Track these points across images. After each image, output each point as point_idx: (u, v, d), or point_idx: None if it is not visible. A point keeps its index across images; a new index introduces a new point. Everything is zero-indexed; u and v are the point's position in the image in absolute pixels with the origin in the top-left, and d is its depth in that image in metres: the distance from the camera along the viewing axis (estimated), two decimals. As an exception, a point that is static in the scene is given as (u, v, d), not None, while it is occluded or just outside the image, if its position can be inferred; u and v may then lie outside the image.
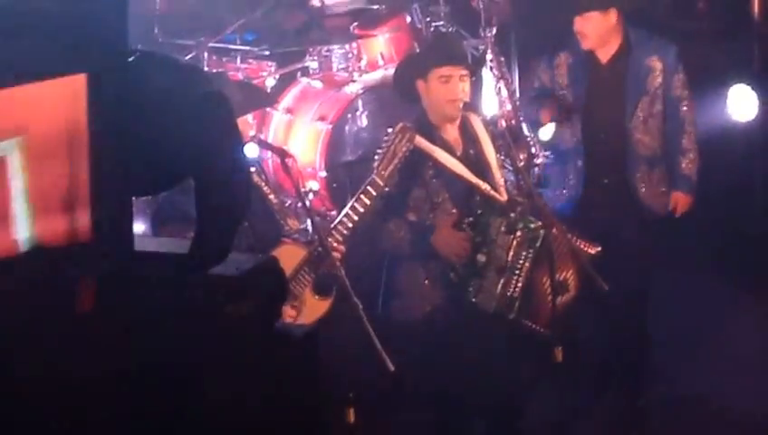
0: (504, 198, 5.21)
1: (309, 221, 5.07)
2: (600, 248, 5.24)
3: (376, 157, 5.02)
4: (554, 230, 5.11)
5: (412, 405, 5.64)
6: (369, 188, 4.97)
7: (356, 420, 4.70)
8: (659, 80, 5.96)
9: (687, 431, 5.99)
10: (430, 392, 5.37)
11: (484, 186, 5.21)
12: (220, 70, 7.09)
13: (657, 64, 5.97)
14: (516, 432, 5.43)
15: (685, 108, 6.01)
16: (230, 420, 3.51)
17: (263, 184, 5.27)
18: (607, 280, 5.21)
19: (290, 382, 4.32)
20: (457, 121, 5.29)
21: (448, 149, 5.22)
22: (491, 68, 7.74)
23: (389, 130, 5.04)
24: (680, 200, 5.99)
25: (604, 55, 5.99)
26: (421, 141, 5.14)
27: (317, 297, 5.01)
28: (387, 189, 4.99)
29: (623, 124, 5.95)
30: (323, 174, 7.07)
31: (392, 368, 4.58)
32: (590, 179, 6.01)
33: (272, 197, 5.21)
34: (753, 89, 6.99)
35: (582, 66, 6.01)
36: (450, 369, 5.21)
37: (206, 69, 7.12)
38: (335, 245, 4.95)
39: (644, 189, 5.97)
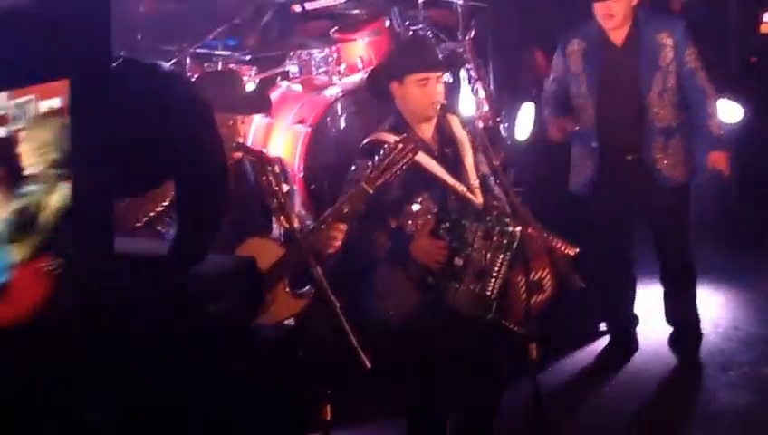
0: (479, 200, 5.23)
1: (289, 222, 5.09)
2: (578, 250, 5.29)
3: (369, 163, 4.97)
4: (530, 230, 5.15)
5: (389, 403, 5.69)
6: (357, 194, 4.94)
7: (332, 418, 4.74)
8: (671, 55, 6.13)
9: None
10: (407, 391, 5.40)
11: (461, 187, 5.24)
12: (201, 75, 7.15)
13: (668, 40, 6.13)
14: (492, 431, 5.47)
15: (701, 78, 6.19)
16: (208, 418, 3.55)
17: (246, 185, 5.32)
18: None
19: (267, 380, 4.39)
20: (433, 121, 5.32)
21: (425, 148, 5.23)
22: (468, 70, 7.82)
23: (391, 139, 5.03)
24: (718, 158, 6.23)
25: (618, 37, 6.16)
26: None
27: (292, 295, 5.04)
28: (374, 195, 4.99)
29: (639, 100, 6.13)
30: (302, 176, 7.14)
31: (369, 365, 4.60)
32: (606, 159, 6.20)
33: (248, 198, 5.25)
34: (731, 92, 7.10)
35: (597, 51, 6.18)
36: (428, 369, 5.25)
37: (188, 74, 7.19)
38: (330, 241, 4.97)
39: (661, 158, 6.16)
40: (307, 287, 4.98)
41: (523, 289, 5.09)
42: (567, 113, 6.34)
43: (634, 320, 6.71)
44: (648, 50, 6.11)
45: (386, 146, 4.96)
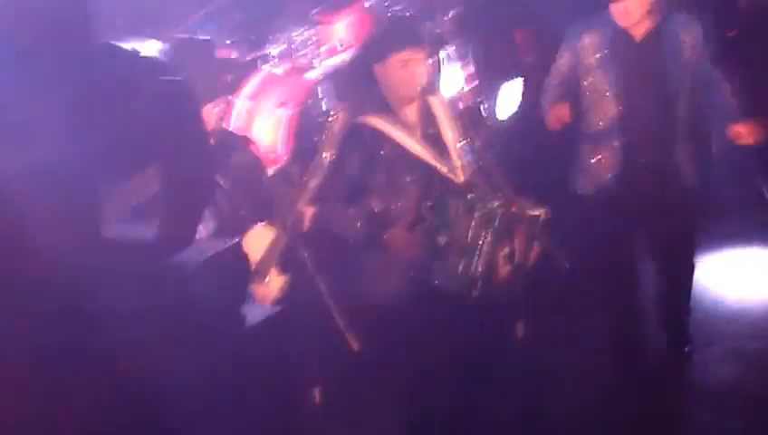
0: (461, 179, 5.26)
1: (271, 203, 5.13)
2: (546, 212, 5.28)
3: (320, 137, 5.10)
4: (513, 209, 5.16)
5: (377, 385, 5.71)
6: (317, 168, 5.04)
7: (321, 400, 4.77)
8: (693, 52, 5.98)
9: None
10: (396, 373, 5.41)
11: (443, 168, 5.26)
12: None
13: (688, 36, 5.99)
14: (486, 409, 5.48)
15: (718, 73, 6.04)
16: (198, 401, 3.57)
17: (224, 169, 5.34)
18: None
19: (256, 363, 4.41)
20: (416, 103, 5.33)
21: (408, 130, 5.23)
22: (449, 50, 7.83)
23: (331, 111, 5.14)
24: (745, 128, 5.94)
25: (638, 32, 5.95)
26: (382, 124, 5.20)
27: (278, 274, 5.08)
28: (337, 170, 5.06)
29: (665, 98, 5.95)
30: (286, 159, 7.15)
31: (356, 347, 4.64)
32: (630, 158, 6.03)
33: (232, 182, 5.27)
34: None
35: (614, 45, 5.97)
36: (416, 349, 5.27)
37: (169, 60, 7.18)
38: (305, 219, 5.04)
39: (683, 159, 6.06)
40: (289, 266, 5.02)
41: (509, 267, 5.11)
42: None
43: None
44: (673, 46, 5.99)
45: (326, 118, 5.12)
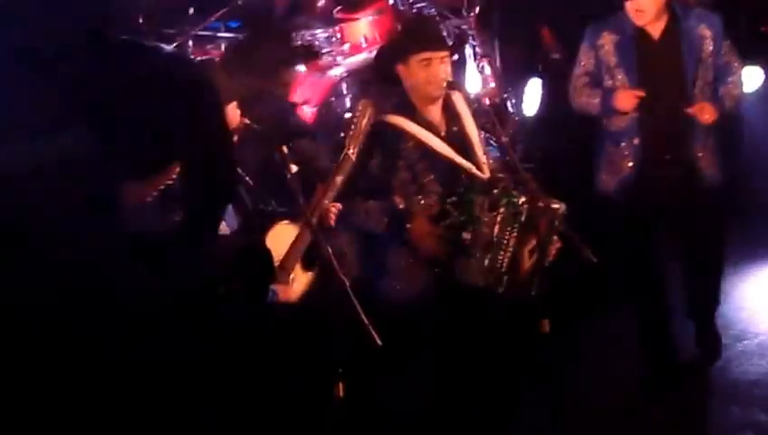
0: (486, 175, 5.24)
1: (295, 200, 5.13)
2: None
3: (344, 134, 5.09)
4: (540, 204, 5.13)
5: (401, 381, 5.70)
6: (342, 163, 5.05)
7: (345, 395, 4.76)
8: (710, 48, 5.97)
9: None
10: (421, 369, 5.41)
11: (468, 165, 5.25)
12: (205, 57, 7.15)
13: (707, 33, 5.97)
14: (510, 405, 5.47)
15: (735, 69, 6.06)
16: (221, 396, 3.57)
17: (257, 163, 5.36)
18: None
19: (279, 359, 4.41)
20: (439, 101, 5.33)
21: (432, 129, 5.23)
22: (474, 47, 7.81)
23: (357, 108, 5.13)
24: (705, 107, 5.89)
25: (656, 30, 5.96)
26: (405, 123, 5.17)
27: (304, 270, 5.07)
28: (362, 167, 5.05)
29: (684, 96, 5.93)
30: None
31: (380, 343, 4.63)
32: (649, 156, 6.02)
33: (256, 178, 5.28)
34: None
35: (631, 44, 5.97)
36: (440, 345, 5.26)
37: (191, 57, 7.18)
38: (329, 215, 5.07)
39: (702, 157, 6.03)
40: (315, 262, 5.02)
41: (533, 262, 5.09)
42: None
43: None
44: (690, 42, 5.95)
45: (352, 116, 5.11)
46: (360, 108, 5.10)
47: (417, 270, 5.22)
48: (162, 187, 4.67)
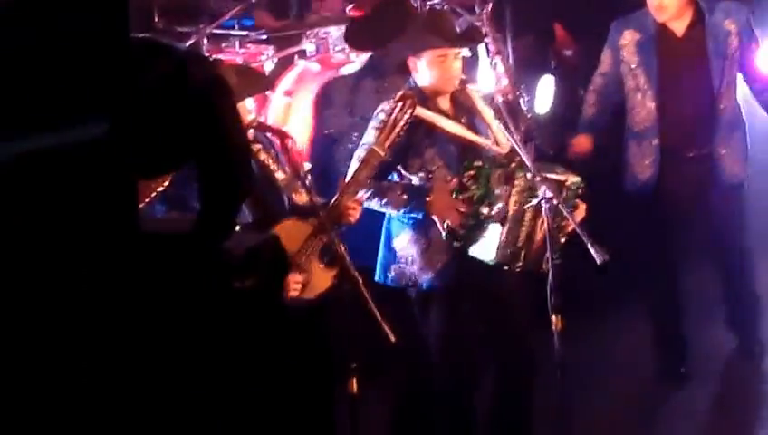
0: (503, 150, 5.24)
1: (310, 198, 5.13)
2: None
3: (374, 126, 5.06)
4: (553, 176, 5.14)
5: (415, 375, 5.72)
6: (369, 158, 5.04)
7: (359, 391, 4.79)
8: (736, 42, 5.96)
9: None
10: (437, 360, 5.41)
11: (483, 140, 5.26)
12: (218, 56, 7.17)
13: (733, 27, 5.96)
14: (528, 390, 5.48)
15: (763, 64, 6.05)
16: (236, 391, 3.59)
17: (271, 162, 5.35)
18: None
19: (294, 355, 4.43)
20: (450, 95, 5.35)
21: (443, 114, 5.29)
22: (487, 44, 7.81)
23: (388, 101, 5.10)
24: None
25: (679, 27, 5.96)
26: (419, 109, 5.18)
27: (323, 269, 5.08)
28: (386, 157, 5.05)
29: (709, 93, 5.94)
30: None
31: (393, 339, 4.65)
32: (672, 155, 6.03)
33: (279, 174, 5.28)
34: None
35: (653, 43, 5.97)
36: (458, 329, 5.27)
37: (206, 55, 7.21)
38: (350, 211, 5.04)
39: (726, 154, 6.02)
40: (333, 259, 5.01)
41: (544, 236, 5.09)
42: (612, 110, 6.19)
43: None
44: (716, 39, 5.92)
45: (387, 107, 5.06)
46: (398, 99, 5.06)
47: (432, 254, 5.23)
48: (159, 189, 4.72)
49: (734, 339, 6.51)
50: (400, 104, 5.02)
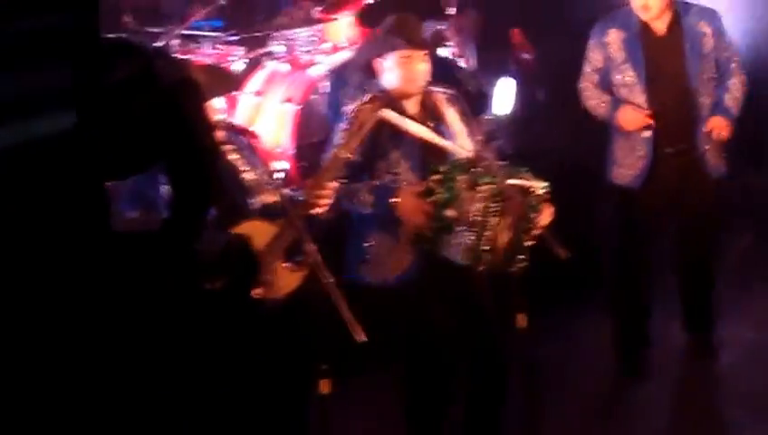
0: (468, 154, 5.29)
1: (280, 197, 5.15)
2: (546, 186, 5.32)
3: (341, 128, 5.14)
4: (518, 182, 5.18)
5: (388, 374, 5.76)
6: (335, 160, 5.08)
7: (330, 391, 4.82)
8: (711, 43, 6.15)
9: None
10: (407, 357, 5.45)
11: (449, 144, 5.30)
12: (188, 56, 7.22)
13: (707, 29, 6.15)
14: (500, 383, 5.52)
15: (734, 64, 6.24)
16: (206, 393, 3.61)
17: (240, 162, 5.38)
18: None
19: (265, 355, 4.45)
20: (417, 97, 5.39)
21: (409, 118, 5.32)
22: (452, 47, 7.89)
23: (355, 103, 5.15)
24: (719, 123, 6.12)
25: (660, 26, 6.14)
26: (385, 111, 5.22)
27: (290, 269, 5.13)
28: (353, 158, 5.11)
29: (689, 89, 6.12)
30: (292, 153, 7.22)
31: (363, 338, 4.67)
32: (658, 148, 6.17)
33: (248, 174, 5.31)
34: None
35: (638, 40, 6.13)
36: (428, 327, 5.33)
37: (174, 55, 7.24)
38: (320, 210, 5.07)
39: (709, 148, 6.17)
40: (303, 261, 5.03)
41: (510, 240, 5.16)
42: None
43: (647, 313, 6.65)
44: (692, 38, 6.10)
45: (354, 109, 5.10)
46: (365, 101, 5.12)
47: (399, 254, 5.29)
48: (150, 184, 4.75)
49: (694, 337, 6.59)
50: (367, 106, 5.07)
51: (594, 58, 6.24)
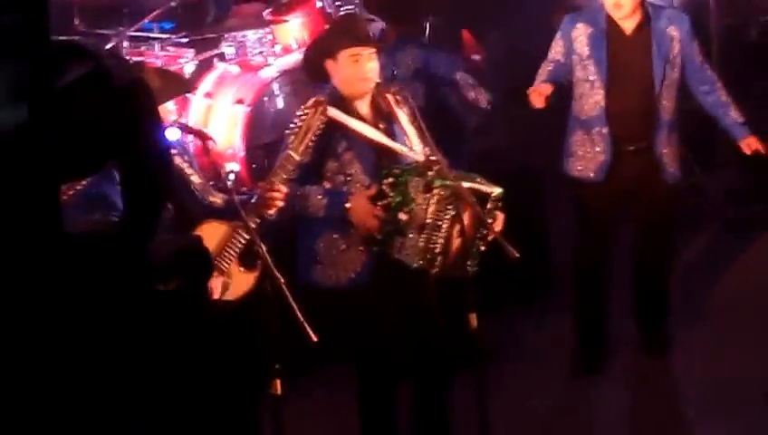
0: (421, 158, 5.31)
1: (231, 199, 5.15)
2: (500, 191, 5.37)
3: (289, 131, 5.15)
4: (470, 186, 5.22)
5: (340, 371, 5.78)
6: (284, 163, 5.10)
7: (282, 392, 4.83)
8: (678, 47, 6.21)
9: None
10: (358, 357, 5.47)
11: (401, 148, 5.33)
12: (139, 58, 7.20)
13: (676, 33, 6.22)
14: (446, 386, 5.56)
15: (708, 69, 6.34)
16: (159, 396, 3.61)
17: (185, 165, 5.38)
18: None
19: (218, 358, 4.44)
20: (368, 98, 5.41)
21: (361, 119, 5.34)
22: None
23: (301, 107, 5.17)
24: (754, 142, 6.26)
25: (629, 26, 6.20)
26: (335, 113, 5.25)
27: (243, 271, 5.13)
28: (302, 160, 5.12)
29: (650, 91, 6.18)
30: (243, 155, 7.22)
31: (315, 338, 4.69)
32: (616, 146, 6.22)
33: (194, 177, 5.31)
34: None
35: (604, 37, 6.20)
36: (378, 329, 5.36)
37: (125, 57, 7.22)
38: (271, 212, 5.09)
39: (666, 151, 6.23)
40: (256, 263, 5.05)
41: (462, 244, 5.18)
42: (560, 93, 6.32)
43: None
44: (660, 41, 6.17)
45: (300, 113, 5.12)
46: (310, 105, 5.14)
47: (351, 256, 5.30)
48: (78, 187, 4.73)
49: (647, 335, 6.65)
50: (311, 111, 5.09)
51: (555, 49, 6.31)
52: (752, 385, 6.12)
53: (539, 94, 6.12)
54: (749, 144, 6.26)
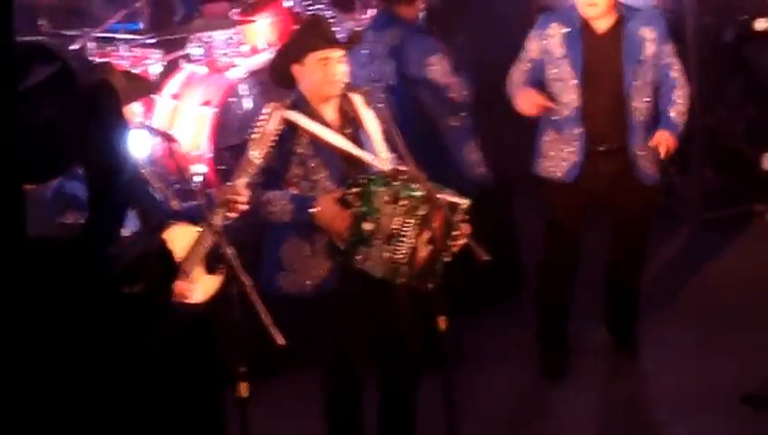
0: (387, 167, 5.29)
1: (196, 201, 5.14)
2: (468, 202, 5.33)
3: (248, 136, 5.14)
4: (437, 196, 5.20)
5: (305, 376, 5.76)
6: (246, 166, 5.06)
7: (248, 394, 4.81)
8: (652, 49, 6.18)
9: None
10: (323, 363, 5.46)
11: (367, 156, 5.30)
12: (104, 59, 7.16)
13: (650, 34, 6.18)
14: (413, 391, 5.54)
15: (676, 72, 6.27)
16: (123, 400, 3.59)
17: (146, 170, 5.36)
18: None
19: (183, 360, 4.42)
20: (336, 101, 5.38)
21: (327, 125, 5.30)
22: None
23: (264, 110, 5.15)
24: (664, 136, 6.16)
25: (602, 26, 6.17)
26: (299, 119, 5.22)
27: (209, 274, 5.11)
28: (264, 165, 5.10)
29: (622, 92, 6.15)
30: (210, 157, 7.19)
31: (282, 342, 4.67)
32: (588, 146, 6.21)
33: (156, 183, 5.29)
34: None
35: (578, 37, 6.17)
36: (343, 336, 5.34)
37: (91, 58, 7.19)
38: (234, 214, 5.05)
39: (641, 154, 6.21)
40: (221, 266, 5.03)
41: (429, 254, 5.17)
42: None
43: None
44: (631, 42, 6.14)
45: (259, 117, 5.09)
46: (267, 110, 5.14)
47: (315, 263, 5.28)
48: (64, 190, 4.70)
49: (617, 338, 6.67)
50: (266, 117, 5.06)
51: (530, 48, 6.29)
52: (726, 386, 6.13)
53: (533, 102, 6.12)
54: (659, 136, 6.18)
